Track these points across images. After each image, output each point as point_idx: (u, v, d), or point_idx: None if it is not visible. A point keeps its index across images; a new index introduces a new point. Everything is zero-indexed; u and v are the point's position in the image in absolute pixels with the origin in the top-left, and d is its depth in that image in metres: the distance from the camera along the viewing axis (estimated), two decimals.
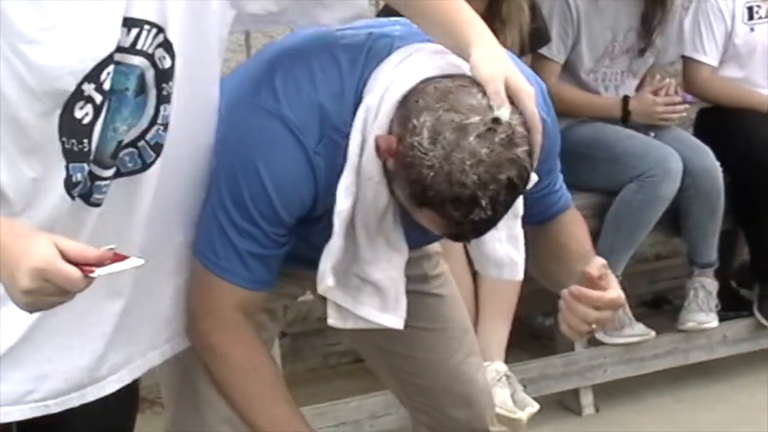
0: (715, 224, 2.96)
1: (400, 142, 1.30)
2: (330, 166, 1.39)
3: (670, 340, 3.02)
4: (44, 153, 1.19)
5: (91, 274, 1.10)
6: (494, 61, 1.30)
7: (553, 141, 1.50)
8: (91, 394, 1.36)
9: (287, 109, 1.38)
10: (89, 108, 1.18)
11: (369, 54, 1.40)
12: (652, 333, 2.97)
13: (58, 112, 1.17)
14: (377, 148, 1.33)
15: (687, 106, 3.02)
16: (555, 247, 1.57)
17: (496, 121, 1.27)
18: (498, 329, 2.65)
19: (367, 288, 1.46)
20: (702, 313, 3.02)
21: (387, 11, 1.43)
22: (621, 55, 3.03)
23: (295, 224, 1.43)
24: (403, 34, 1.43)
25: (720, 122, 3.14)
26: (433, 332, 1.74)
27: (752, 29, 3.14)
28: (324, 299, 1.51)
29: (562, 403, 2.94)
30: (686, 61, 3.20)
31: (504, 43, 1.67)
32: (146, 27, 1.21)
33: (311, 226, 1.44)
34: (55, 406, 1.33)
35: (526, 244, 1.54)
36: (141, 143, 1.27)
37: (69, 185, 1.21)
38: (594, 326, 1.42)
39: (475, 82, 1.32)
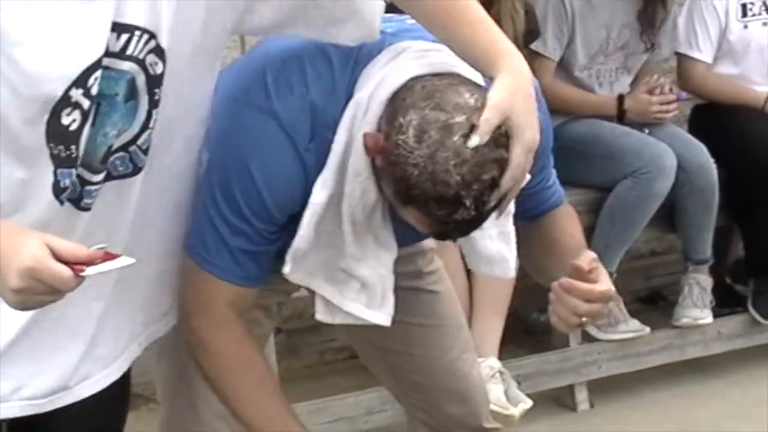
0: (710, 220, 2.97)
1: (387, 139, 1.30)
2: (321, 164, 1.39)
3: (664, 336, 3.03)
4: (32, 158, 1.18)
5: (82, 273, 1.10)
6: (508, 93, 1.29)
7: (546, 138, 1.50)
8: (79, 393, 1.36)
9: (279, 106, 1.38)
10: (77, 114, 1.18)
11: (361, 51, 1.40)
12: (647, 329, 2.98)
13: (46, 117, 1.16)
14: (365, 145, 1.33)
15: (677, 105, 3.03)
16: (548, 242, 1.57)
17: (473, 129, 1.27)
18: (492, 325, 2.66)
19: (353, 284, 1.46)
20: (697, 309, 3.02)
21: (388, 9, 1.42)
22: (615, 51, 3.04)
23: (287, 221, 1.43)
24: (395, 32, 1.43)
25: (714, 119, 3.15)
26: (428, 329, 1.75)
27: (746, 26, 3.14)
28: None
29: (557, 399, 2.95)
30: (681, 57, 3.20)
31: None
32: (137, 33, 1.21)
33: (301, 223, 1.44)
34: (44, 405, 1.33)
35: (520, 240, 1.54)
36: (132, 147, 1.27)
37: (57, 190, 1.21)
38: (584, 319, 1.42)
39: (463, 81, 1.32)
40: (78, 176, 1.23)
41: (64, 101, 1.16)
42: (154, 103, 1.25)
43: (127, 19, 1.20)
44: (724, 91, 3.16)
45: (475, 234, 1.41)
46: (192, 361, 1.50)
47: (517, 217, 1.49)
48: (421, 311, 1.72)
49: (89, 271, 1.10)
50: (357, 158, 1.36)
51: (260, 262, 1.45)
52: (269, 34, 1.44)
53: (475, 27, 1.33)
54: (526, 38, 2.76)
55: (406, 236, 1.49)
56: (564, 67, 3.00)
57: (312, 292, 1.52)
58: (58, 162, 1.19)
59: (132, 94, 1.24)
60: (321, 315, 1.49)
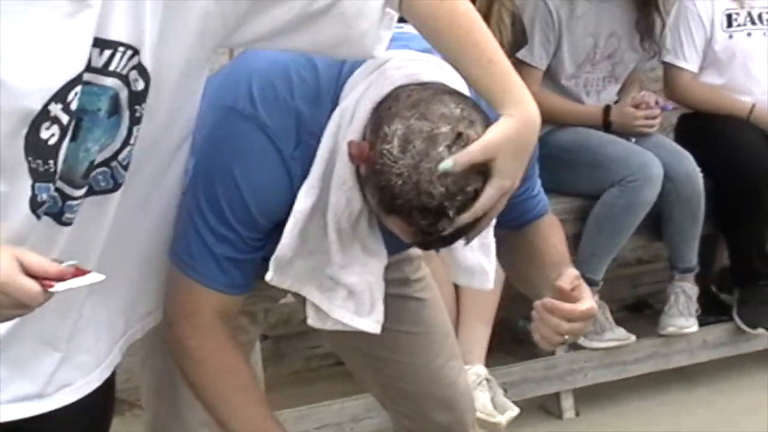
0: (696, 229, 2.98)
1: (371, 148, 1.30)
2: (306, 171, 1.38)
3: (650, 344, 3.04)
4: (10, 171, 1.17)
5: (50, 289, 1.10)
6: (503, 137, 1.28)
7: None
8: (60, 400, 1.35)
9: (264, 114, 1.38)
10: (55, 129, 1.17)
11: (346, 60, 1.40)
12: (633, 337, 2.98)
13: (24, 131, 1.15)
14: (350, 154, 1.33)
15: (661, 117, 3.05)
16: (531, 251, 1.57)
17: (460, 136, 1.27)
18: (478, 333, 2.66)
19: (340, 291, 1.46)
20: (682, 317, 3.03)
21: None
22: (602, 60, 3.05)
23: (272, 228, 1.43)
24: None
25: (701, 128, 3.16)
26: (414, 336, 1.75)
27: (731, 36, 3.16)
28: (303, 301, 1.51)
29: (543, 407, 2.95)
30: (667, 67, 3.22)
31: None
32: (120, 49, 1.20)
33: None
34: (21, 411, 1.31)
35: (503, 248, 1.54)
36: (114, 163, 1.26)
37: (34, 205, 1.20)
38: (567, 337, 1.43)
39: (449, 91, 1.32)
40: (59, 191, 1.23)
41: (43, 115, 1.16)
42: (134, 120, 1.25)
43: (111, 35, 1.19)
44: (710, 100, 3.18)
45: (456, 245, 1.41)
46: (176, 368, 1.50)
47: (501, 226, 1.49)
48: (408, 318, 1.72)
49: (58, 287, 1.10)
50: (341, 166, 1.36)
51: (245, 270, 1.44)
52: (259, 47, 1.43)
53: (487, 65, 1.32)
54: (513, 47, 2.76)
55: (394, 244, 1.49)
56: (551, 75, 3.01)
57: (299, 298, 1.52)
58: (36, 176, 1.18)
59: (115, 109, 1.23)
60: (312, 320, 1.49)
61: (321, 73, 1.40)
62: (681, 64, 3.17)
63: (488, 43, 1.33)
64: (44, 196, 1.20)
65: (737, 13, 3.17)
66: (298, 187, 1.39)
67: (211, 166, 1.40)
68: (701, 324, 3.06)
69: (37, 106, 1.15)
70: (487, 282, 1.54)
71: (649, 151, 2.91)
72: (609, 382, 2.98)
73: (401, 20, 1.42)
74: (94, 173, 1.26)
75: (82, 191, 1.25)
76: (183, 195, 1.43)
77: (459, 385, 1.81)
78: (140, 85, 1.23)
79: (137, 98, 1.24)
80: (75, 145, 1.21)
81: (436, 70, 1.37)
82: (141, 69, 1.23)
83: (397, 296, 1.66)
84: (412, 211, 1.27)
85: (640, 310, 3.56)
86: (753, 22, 3.18)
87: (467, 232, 1.32)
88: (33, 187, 1.19)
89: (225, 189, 1.39)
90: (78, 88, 1.17)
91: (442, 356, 1.78)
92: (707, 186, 2.95)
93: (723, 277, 3.33)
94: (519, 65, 2.92)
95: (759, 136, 3.11)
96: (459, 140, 1.27)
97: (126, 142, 1.26)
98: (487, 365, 2.66)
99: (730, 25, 3.16)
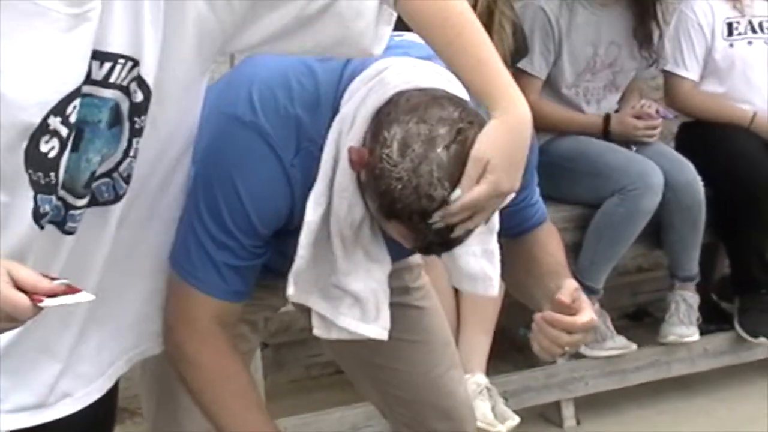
0: (696, 238, 2.97)
1: (371, 154, 1.30)
2: (306, 178, 1.39)
3: (651, 352, 3.03)
4: (12, 183, 1.18)
5: (40, 304, 1.10)
6: (494, 141, 1.28)
7: (530, 156, 1.50)
8: (61, 410, 1.35)
9: (264, 121, 1.38)
10: (55, 142, 1.17)
11: (346, 66, 1.41)
12: (633, 346, 2.98)
13: (24, 144, 1.16)
14: (350, 160, 1.33)
15: (662, 125, 3.05)
16: (529, 260, 1.58)
17: (460, 131, 1.27)
18: (479, 342, 2.66)
19: (346, 299, 1.46)
20: (683, 326, 3.03)
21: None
22: (603, 69, 3.05)
23: (272, 235, 1.43)
24: None
25: (701, 136, 3.16)
26: (414, 344, 1.74)
27: (731, 45, 3.17)
28: (305, 310, 1.51)
29: (544, 416, 2.95)
30: (667, 75, 3.22)
31: None
32: (120, 61, 1.20)
33: (287, 238, 1.44)
34: (23, 420, 1.32)
35: (501, 257, 1.54)
36: (115, 174, 1.27)
37: (37, 215, 1.20)
38: (567, 348, 1.43)
39: (447, 95, 1.33)
40: (62, 200, 1.23)
41: (43, 129, 1.16)
42: (134, 132, 1.25)
43: (110, 48, 1.20)
44: (711, 108, 3.18)
45: (458, 251, 1.41)
46: (176, 376, 1.50)
47: (500, 234, 1.50)
48: (408, 327, 1.71)
49: (48, 302, 1.10)
50: (342, 173, 1.36)
51: (245, 277, 1.44)
52: (259, 51, 1.44)
53: (477, 65, 1.31)
54: (514, 56, 2.77)
55: (397, 250, 1.49)
56: (551, 84, 3.01)
57: (300, 307, 1.52)
58: (38, 188, 1.19)
59: (116, 120, 1.24)
60: (318, 330, 1.49)
61: (321, 80, 1.40)
62: (681, 72, 3.17)
63: (480, 44, 1.33)
64: (46, 207, 1.20)
65: (738, 22, 3.17)
66: (298, 194, 1.40)
67: (211, 174, 1.40)
68: (702, 332, 3.06)
69: (36, 120, 1.15)
70: (492, 288, 1.54)
71: (649, 160, 2.91)
72: (609, 391, 2.97)
73: (401, 29, 1.43)
74: (96, 184, 1.26)
75: (84, 201, 1.25)
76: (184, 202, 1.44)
77: (459, 395, 1.81)
78: (139, 97, 1.24)
79: (137, 110, 1.24)
80: (77, 156, 1.22)
81: (435, 76, 1.37)
82: (140, 81, 1.23)
83: (397, 305, 1.65)
84: (413, 215, 1.28)
85: (640, 319, 3.56)
86: (754, 31, 3.18)
87: (458, 232, 1.31)
88: (35, 198, 1.19)
89: (225, 196, 1.39)
90: (77, 101, 1.18)
91: (442, 365, 1.78)
92: (708, 194, 2.95)
93: (724, 286, 3.32)
94: (519, 75, 2.92)
95: (759, 145, 3.11)
96: (457, 140, 1.27)
97: (126, 154, 1.26)
98: (488, 374, 2.66)
99: (730, 33, 3.16)
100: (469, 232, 1.33)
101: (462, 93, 1.36)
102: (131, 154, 1.26)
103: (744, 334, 3.10)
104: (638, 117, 3.01)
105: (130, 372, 1.50)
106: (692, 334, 3.03)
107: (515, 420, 2.58)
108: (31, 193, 1.19)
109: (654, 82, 3.40)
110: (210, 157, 1.41)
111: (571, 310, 1.42)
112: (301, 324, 1.57)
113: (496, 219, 1.44)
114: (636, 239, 2.89)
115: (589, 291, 2.84)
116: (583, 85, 3.04)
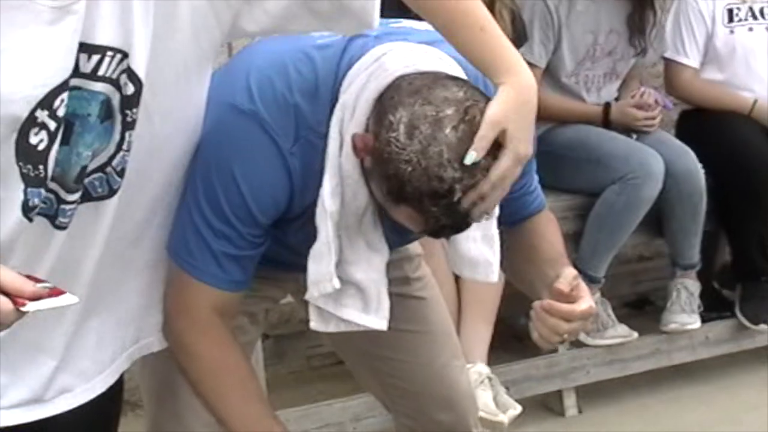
0: (697, 226, 2.97)
1: (376, 138, 1.29)
2: (305, 167, 1.38)
3: (652, 341, 3.03)
4: (3, 175, 1.17)
5: (23, 308, 1.09)
6: (507, 106, 1.29)
7: None
8: (60, 405, 1.34)
9: (263, 109, 1.38)
10: (44, 134, 1.17)
11: (344, 53, 1.40)
12: (635, 334, 2.98)
13: (14, 137, 1.15)
14: (354, 147, 1.33)
15: (662, 113, 3.05)
16: (527, 247, 1.57)
17: (468, 110, 1.27)
18: (480, 331, 2.66)
19: (349, 289, 1.45)
20: (685, 314, 3.03)
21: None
22: (603, 57, 3.04)
23: (271, 225, 1.43)
24: (379, 35, 1.43)
25: (702, 124, 3.15)
26: (415, 335, 1.74)
27: (732, 31, 3.15)
28: (304, 302, 1.50)
29: (546, 405, 2.95)
30: (668, 63, 3.21)
31: None
32: (109, 53, 1.19)
33: (287, 226, 1.44)
34: (21, 416, 1.31)
35: (501, 245, 1.54)
36: (108, 169, 1.26)
37: (26, 208, 1.20)
38: (566, 336, 1.43)
39: (449, 77, 1.32)
40: (54, 193, 1.22)
41: (31, 122, 1.15)
42: (126, 125, 1.24)
43: (98, 40, 1.18)
44: (712, 96, 3.17)
45: (459, 236, 1.41)
46: (176, 368, 1.49)
47: (498, 222, 1.49)
48: (408, 317, 1.71)
49: (30, 306, 1.10)
50: (346, 160, 1.35)
51: (244, 267, 1.44)
52: (260, 37, 1.43)
53: (479, 33, 1.32)
54: (514, 44, 2.75)
55: (394, 240, 1.48)
56: (551, 73, 3.00)
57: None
58: (28, 181, 1.18)
59: (108, 114, 1.23)
60: (315, 324, 1.48)
61: (319, 67, 1.40)
62: (682, 60, 3.17)
63: (479, 11, 1.33)
64: (36, 201, 1.20)
65: (738, 8, 3.16)
66: (298, 183, 1.39)
67: (209, 162, 1.39)
68: (703, 320, 3.06)
69: (24, 113, 1.14)
70: (492, 274, 1.54)
71: (650, 148, 2.91)
72: (611, 380, 2.97)
73: (399, 15, 1.42)
74: (90, 179, 1.25)
75: (76, 196, 1.24)
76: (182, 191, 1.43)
77: (461, 385, 1.81)
78: (130, 90, 1.22)
79: (128, 102, 1.23)
80: (67, 150, 1.21)
81: (435, 60, 1.37)
82: (130, 73, 1.22)
83: (398, 295, 1.65)
84: (423, 198, 1.27)
85: (641, 307, 3.56)
86: (755, 17, 3.17)
87: (485, 204, 1.31)
88: (25, 191, 1.19)
89: (223, 185, 1.38)
90: (65, 95, 1.17)
91: (444, 355, 1.77)
92: (708, 182, 2.95)
93: (725, 274, 3.32)
94: None
95: (760, 132, 3.11)
96: (464, 120, 1.26)
97: (119, 147, 1.25)
98: (489, 363, 2.66)
99: (731, 20, 3.15)
100: (484, 213, 1.32)
101: (462, 75, 1.36)
102: (124, 147, 1.25)
103: (745, 322, 3.10)
104: (638, 107, 3.01)
105: (132, 364, 1.50)
106: (693, 322, 3.03)
107: (517, 409, 2.58)
108: (22, 186, 1.18)
109: (655, 70, 3.39)
110: (208, 145, 1.40)
111: (569, 298, 1.41)
112: (301, 315, 1.57)
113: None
114: (637, 227, 2.89)
115: (590, 280, 2.84)
116: (583, 73, 3.03)
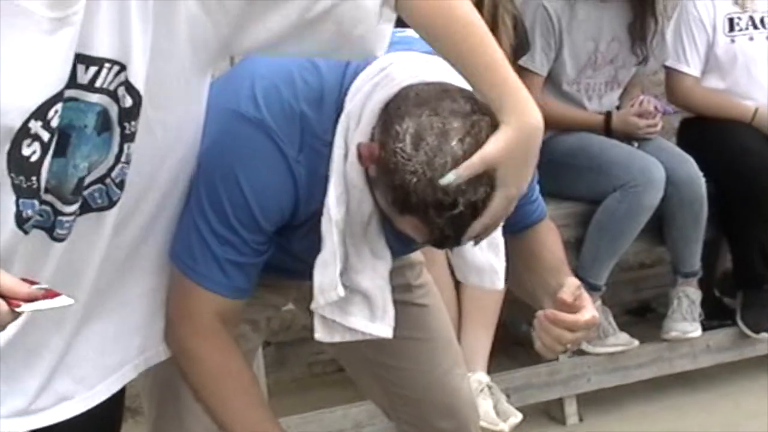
0: (699, 233, 2.97)
1: (382, 148, 1.30)
2: (311, 175, 1.38)
3: (653, 349, 3.03)
4: None
5: (17, 309, 1.09)
6: (504, 147, 1.27)
7: None
8: (60, 413, 1.34)
9: (268, 117, 1.38)
10: (36, 146, 1.16)
11: (350, 63, 1.40)
12: (636, 342, 2.98)
13: (6, 148, 1.15)
14: (359, 156, 1.33)
15: (662, 120, 3.05)
16: (528, 256, 1.57)
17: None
18: (480, 339, 2.66)
19: (355, 298, 1.45)
20: (686, 322, 3.03)
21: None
22: (605, 65, 3.04)
23: (276, 232, 1.43)
24: None
25: (703, 132, 3.16)
26: (417, 342, 1.74)
27: (733, 40, 3.16)
28: (306, 309, 1.50)
29: (547, 413, 2.95)
30: (669, 71, 3.22)
31: None
32: (106, 65, 1.19)
33: (291, 234, 1.44)
34: (19, 423, 1.31)
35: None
36: (107, 180, 1.25)
37: (19, 220, 1.19)
38: (569, 346, 1.43)
39: (456, 88, 1.32)
40: (51, 206, 1.22)
41: (24, 132, 1.15)
42: (125, 137, 1.24)
43: (96, 52, 1.18)
44: (713, 104, 3.17)
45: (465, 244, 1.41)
46: (177, 373, 1.49)
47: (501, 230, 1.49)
48: (410, 324, 1.71)
49: (25, 307, 1.09)
50: (351, 169, 1.36)
51: (248, 274, 1.44)
52: (260, 53, 1.42)
53: (484, 72, 1.28)
54: (517, 51, 2.76)
55: (397, 248, 1.48)
56: (552, 81, 3.01)
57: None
58: (20, 192, 1.17)
59: (106, 125, 1.22)
60: (320, 335, 1.48)
61: (325, 76, 1.40)
62: (683, 68, 3.17)
63: (486, 49, 1.30)
64: (29, 212, 1.19)
65: (739, 17, 3.16)
66: (303, 191, 1.39)
67: (214, 170, 1.40)
68: (705, 328, 3.06)
69: (17, 124, 1.14)
70: (498, 281, 1.54)
71: (651, 156, 2.91)
72: (612, 387, 2.97)
73: (403, 24, 1.42)
74: (89, 190, 1.25)
75: (74, 207, 1.24)
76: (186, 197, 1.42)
77: (462, 392, 1.81)
78: (128, 102, 1.22)
79: (127, 115, 1.23)
80: (64, 161, 1.21)
81: (440, 70, 1.37)
82: (128, 86, 1.21)
83: (400, 302, 1.65)
84: (428, 209, 1.27)
85: (642, 315, 3.56)
86: (755, 26, 3.17)
87: (478, 236, 1.32)
88: (17, 203, 1.18)
89: (229, 192, 1.38)
90: (58, 106, 1.16)
91: (445, 363, 1.77)
92: (710, 190, 2.95)
93: (726, 281, 3.32)
94: (520, 72, 2.90)
95: (761, 140, 3.11)
96: (471, 132, 1.26)
97: (118, 159, 1.25)
98: (490, 370, 2.66)
99: (732, 29, 3.16)
100: (484, 234, 1.33)
101: (468, 88, 1.36)
102: (123, 159, 1.25)
103: (746, 330, 3.09)
104: (639, 115, 3.01)
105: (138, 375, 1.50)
106: (695, 330, 3.03)
107: (518, 417, 2.58)
108: (13, 198, 1.17)
109: (656, 78, 3.39)
110: (213, 152, 1.40)
111: (573, 308, 1.42)
112: (303, 322, 1.57)
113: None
114: (638, 235, 2.89)
115: (591, 287, 2.84)
116: (585, 81, 3.04)
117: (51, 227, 1.23)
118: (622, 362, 2.97)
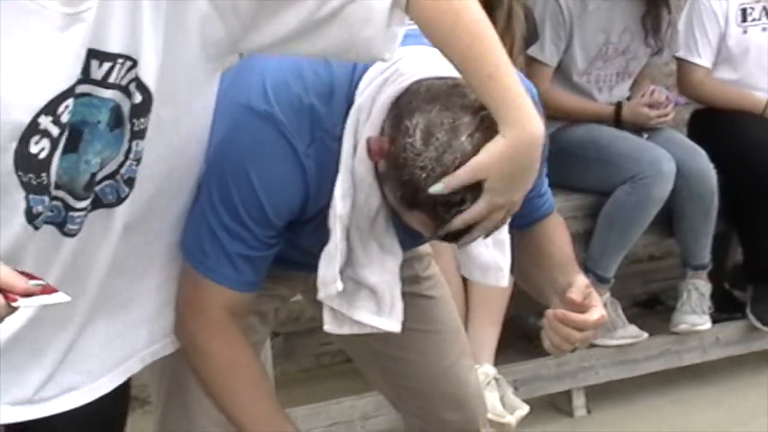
0: (709, 226, 2.96)
1: (392, 143, 1.29)
2: (320, 169, 1.38)
3: (662, 341, 3.02)
4: (3, 184, 1.17)
5: (14, 304, 1.10)
6: (496, 158, 1.25)
7: None
8: (65, 403, 1.35)
9: (278, 111, 1.37)
10: (45, 142, 1.16)
11: None
12: (645, 335, 2.97)
13: (14, 145, 1.15)
14: (368, 150, 1.32)
15: (674, 110, 3.03)
16: (536, 251, 1.57)
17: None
18: (488, 332, 2.65)
19: (362, 292, 1.46)
20: (695, 315, 3.02)
21: None
22: (616, 56, 3.03)
23: (285, 227, 1.42)
24: None
25: (713, 124, 3.14)
26: (425, 334, 1.74)
27: (745, 31, 3.14)
28: (313, 301, 1.50)
29: (554, 405, 2.94)
30: (680, 62, 3.20)
31: None
32: (120, 60, 1.19)
33: (301, 228, 1.44)
34: (24, 413, 1.31)
35: (510, 248, 1.53)
36: (117, 177, 1.26)
37: (30, 216, 1.20)
38: (577, 344, 1.43)
39: (466, 83, 1.31)
40: (62, 201, 1.22)
41: (33, 129, 1.15)
42: (134, 134, 1.24)
43: (109, 48, 1.18)
44: (724, 96, 3.16)
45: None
46: (186, 366, 1.49)
47: (508, 225, 1.49)
48: (418, 316, 1.71)
49: (22, 302, 1.10)
50: (360, 163, 1.35)
51: (258, 268, 1.44)
52: (267, 52, 1.41)
53: (486, 81, 1.26)
54: (527, 42, 2.75)
55: (406, 242, 1.48)
56: (563, 72, 3.00)
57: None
58: (30, 188, 1.18)
59: (118, 122, 1.22)
60: (329, 326, 1.48)
61: (335, 69, 1.39)
62: (695, 60, 3.15)
63: (491, 58, 1.27)
64: (39, 208, 1.19)
65: (752, 8, 3.14)
66: (313, 185, 1.39)
67: (224, 163, 1.39)
68: (714, 321, 3.05)
69: (27, 119, 1.14)
70: (503, 278, 1.54)
71: (661, 147, 2.90)
72: (621, 380, 2.96)
73: None
74: (101, 186, 1.25)
75: (86, 203, 1.24)
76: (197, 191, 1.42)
77: (469, 384, 1.81)
78: (138, 99, 1.22)
79: (137, 112, 1.23)
80: (76, 157, 1.21)
81: (450, 65, 1.36)
82: (138, 82, 1.22)
83: (408, 294, 1.64)
84: (436, 205, 1.27)
85: (651, 307, 3.55)
86: None
87: (461, 236, 1.31)
88: (27, 199, 1.18)
89: (239, 186, 1.38)
90: (69, 101, 1.16)
91: (453, 354, 1.77)
92: (720, 182, 2.93)
93: (736, 274, 3.31)
94: (530, 62, 2.91)
95: None
96: (481, 128, 1.26)
97: (126, 156, 1.25)
98: (498, 363, 2.66)
99: (744, 19, 3.14)
100: (466, 236, 1.32)
101: None
102: (131, 156, 1.25)
103: (756, 323, 3.08)
104: (650, 106, 2.99)
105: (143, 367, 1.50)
106: (704, 323, 3.02)
107: (525, 409, 2.57)
108: (23, 194, 1.18)
109: (667, 69, 3.38)
110: (223, 146, 1.40)
111: (582, 307, 1.42)
112: (311, 313, 1.57)
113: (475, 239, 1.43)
114: (648, 227, 2.88)
115: (600, 279, 2.83)
116: (595, 72, 3.02)
117: (62, 222, 1.24)
118: (630, 355, 2.96)
